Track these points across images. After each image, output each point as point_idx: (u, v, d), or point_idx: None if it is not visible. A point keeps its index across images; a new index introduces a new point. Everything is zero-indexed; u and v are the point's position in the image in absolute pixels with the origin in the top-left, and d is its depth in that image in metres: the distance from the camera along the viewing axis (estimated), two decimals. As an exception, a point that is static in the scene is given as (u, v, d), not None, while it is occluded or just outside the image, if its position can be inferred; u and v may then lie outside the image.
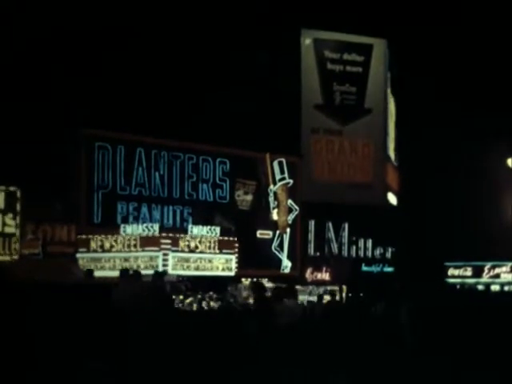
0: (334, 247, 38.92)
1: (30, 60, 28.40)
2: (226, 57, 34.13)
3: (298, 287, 34.92)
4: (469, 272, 41.92)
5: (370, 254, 40.45)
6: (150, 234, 28.23)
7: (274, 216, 36.42)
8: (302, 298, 31.25)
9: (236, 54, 34.32)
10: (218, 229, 30.11)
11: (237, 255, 30.42)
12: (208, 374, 6.91)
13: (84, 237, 28.91)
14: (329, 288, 32.70)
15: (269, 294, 15.36)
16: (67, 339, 6.85)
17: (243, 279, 33.07)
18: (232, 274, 30.29)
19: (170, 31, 32.61)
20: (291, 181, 36.97)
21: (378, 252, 40.66)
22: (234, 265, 30.18)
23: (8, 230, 27.60)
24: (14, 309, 7.14)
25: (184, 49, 32.93)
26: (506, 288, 39.44)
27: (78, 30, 29.43)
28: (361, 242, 40.07)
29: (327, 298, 35.18)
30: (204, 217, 32.79)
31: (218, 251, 29.67)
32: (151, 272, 27.96)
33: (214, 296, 29.58)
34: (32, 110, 28.08)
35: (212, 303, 28.40)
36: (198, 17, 33.62)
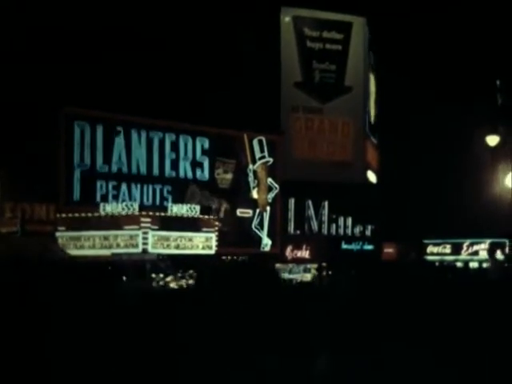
0: (314, 225, 38.94)
1: (8, 38, 28.12)
2: (204, 35, 33.91)
3: (278, 265, 35.13)
4: (448, 249, 42.02)
5: (349, 231, 40.47)
6: (130, 212, 28.15)
7: (254, 194, 36.41)
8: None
9: (215, 31, 34.11)
10: (197, 207, 30.08)
11: (217, 233, 30.44)
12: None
13: (63, 215, 28.78)
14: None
15: None
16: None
17: (223, 257, 33.06)
18: (212, 252, 30.30)
19: (148, 11, 32.41)
20: (271, 159, 36.94)
21: (357, 230, 40.69)
22: (214, 243, 30.19)
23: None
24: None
25: (161, 26, 32.72)
26: (485, 265, 39.51)
27: (59, 8, 29.18)
28: (341, 220, 40.06)
29: (307, 276, 35.62)
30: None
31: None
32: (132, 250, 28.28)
33: (195, 274, 29.54)
34: (11, 89, 27.84)
35: (191, 281, 28.38)
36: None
